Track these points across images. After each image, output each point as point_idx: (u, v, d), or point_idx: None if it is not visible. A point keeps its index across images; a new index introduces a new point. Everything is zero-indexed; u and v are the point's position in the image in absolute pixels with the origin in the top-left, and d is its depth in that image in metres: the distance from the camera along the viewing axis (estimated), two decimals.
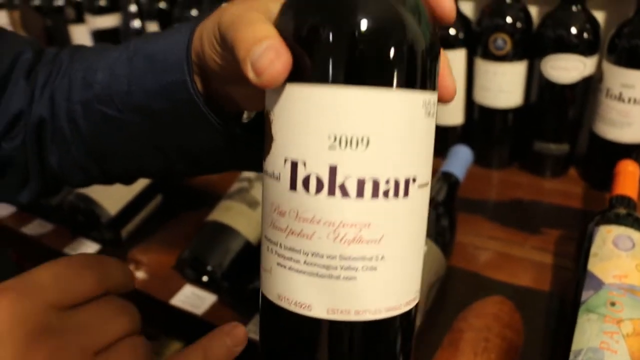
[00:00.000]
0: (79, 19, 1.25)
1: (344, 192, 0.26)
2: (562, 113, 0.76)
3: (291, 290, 0.28)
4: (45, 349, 0.24)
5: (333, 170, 0.26)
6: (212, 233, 0.65)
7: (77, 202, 0.71)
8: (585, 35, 0.70)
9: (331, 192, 0.26)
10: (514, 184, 0.81)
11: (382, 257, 0.27)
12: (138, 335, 0.29)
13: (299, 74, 0.26)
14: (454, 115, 0.83)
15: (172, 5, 1.09)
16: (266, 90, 0.28)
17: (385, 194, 0.27)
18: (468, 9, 0.84)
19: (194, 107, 0.38)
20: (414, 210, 0.28)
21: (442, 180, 0.65)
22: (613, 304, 0.50)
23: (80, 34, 1.26)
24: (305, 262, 0.27)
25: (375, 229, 0.27)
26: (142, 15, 1.16)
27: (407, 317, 0.30)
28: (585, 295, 0.52)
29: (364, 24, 0.25)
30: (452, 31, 0.77)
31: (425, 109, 0.27)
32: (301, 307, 0.28)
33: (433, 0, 0.29)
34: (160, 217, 0.79)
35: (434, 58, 0.28)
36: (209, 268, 0.62)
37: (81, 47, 0.50)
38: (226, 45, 0.30)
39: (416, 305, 0.31)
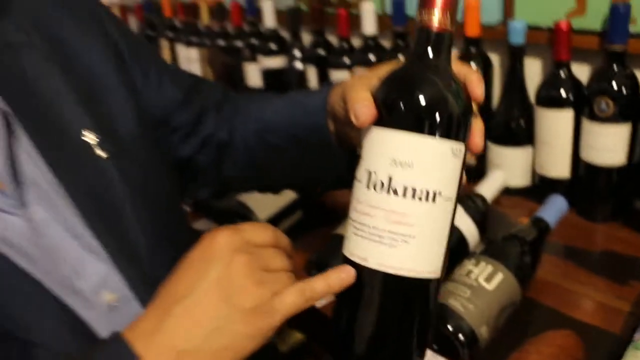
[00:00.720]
0: (253, 59, 1.48)
1: (395, 192, 0.43)
2: None
3: (358, 249, 0.45)
4: (240, 258, 0.44)
5: (389, 180, 0.44)
6: (336, 244, 0.80)
7: (236, 207, 0.92)
8: None
9: (387, 191, 0.44)
10: (613, 238, 0.87)
11: (413, 236, 0.43)
12: (292, 272, 0.48)
13: (380, 121, 0.45)
14: (562, 169, 0.91)
15: (329, 53, 1.28)
16: (361, 129, 0.46)
17: (420, 198, 0.43)
18: (583, 72, 0.93)
19: (326, 140, 0.59)
20: (438, 212, 0.44)
21: (534, 224, 0.75)
22: None
23: (253, 71, 1.49)
24: (367, 232, 0.44)
25: (411, 217, 0.43)
26: (303, 59, 1.36)
27: (427, 282, 0.46)
28: (637, 336, 0.59)
29: (420, 100, 0.43)
30: (563, 93, 0.87)
31: (453, 152, 0.44)
32: (362, 259, 0.45)
33: (470, 88, 0.46)
34: (299, 228, 0.97)
35: (465, 123, 0.45)
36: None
37: (255, 94, 0.72)
38: (345, 101, 0.49)
39: (437, 280, 0.46)
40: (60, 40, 0.58)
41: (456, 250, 0.74)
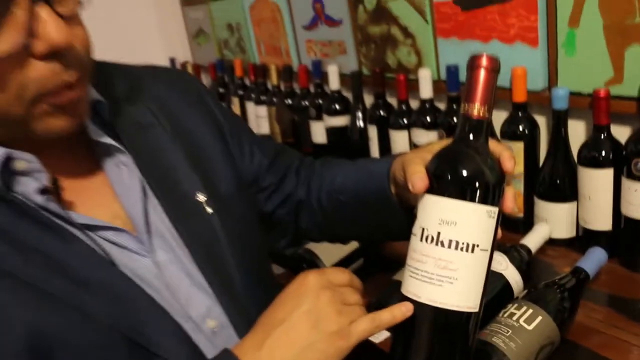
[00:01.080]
0: (318, 117, 1.62)
1: (442, 244, 0.55)
2: None
3: (412, 288, 0.56)
4: (325, 294, 0.56)
5: (438, 234, 0.55)
6: (393, 288, 0.91)
7: (304, 254, 1.04)
8: None
9: (436, 244, 0.55)
10: None
11: (456, 278, 0.54)
12: (363, 305, 0.60)
13: (431, 189, 0.56)
14: (604, 222, 0.99)
15: (388, 114, 1.40)
16: (417, 195, 0.57)
17: (461, 249, 0.54)
18: (624, 133, 1.00)
19: (388, 201, 0.70)
20: (476, 260, 0.55)
21: (574, 273, 0.83)
22: None
23: (318, 128, 1.63)
24: (420, 274, 0.56)
25: (454, 264, 0.54)
26: (365, 119, 1.49)
27: (468, 315, 0.57)
28: None
29: (462, 174, 0.54)
30: (603, 153, 0.95)
31: (488, 214, 0.55)
32: (416, 296, 0.56)
33: (502, 163, 0.57)
34: (360, 274, 1.06)
35: (499, 191, 0.56)
36: None
37: (328, 160, 0.84)
38: (404, 172, 0.60)
39: (476, 313, 0.56)
40: (178, 120, 0.73)
41: (501, 296, 0.83)
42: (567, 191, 1.04)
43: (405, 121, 1.33)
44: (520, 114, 1.09)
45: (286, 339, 0.55)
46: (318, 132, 1.64)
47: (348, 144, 1.53)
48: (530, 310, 0.74)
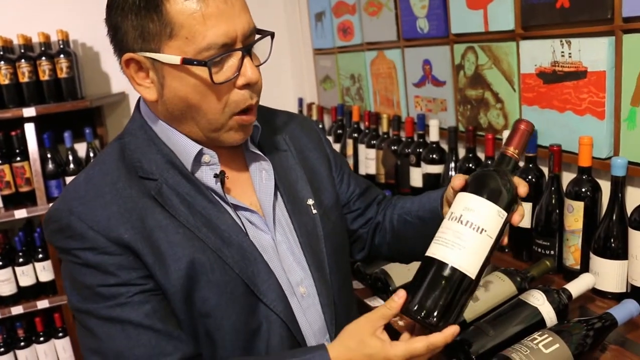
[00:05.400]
0: (417, 164, 1.82)
1: (461, 223, 0.79)
2: None
3: (433, 249, 0.80)
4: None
5: (460, 216, 0.80)
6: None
7: (380, 274, 1.24)
8: None
9: (457, 221, 0.79)
10: None
11: (464, 247, 0.76)
12: None
13: (464, 189, 0.82)
14: None
15: (477, 166, 1.56)
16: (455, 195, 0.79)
17: (474, 229, 0.77)
18: None
19: (440, 218, 0.87)
20: (481, 240, 0.78)
21: (604, 317, 0.96)
22: None
23: (415, 174, 1.83)
24: (441, 240, 0.80)
25: (465, 237, 0.77)
26: (457, 169, 1.67)
27: (465, 276, 0.78)
28: None
29: (487, 182, 0.81)
30: None
31: (498, 213, 0.78)
32: (434, 255, 0.79)
33: (518, 188, 0.78)
34: None
35: (510, 203, 0.78)
36: None
37: (402, 196, 1.07)
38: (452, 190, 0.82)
39: (471, 280, 0.77)
40: (302, 150, 1.02)
41: (533, 326, 0.98)
42: (619, 250, 1.15)
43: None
44: (584, 177, 1.22)
45: None
46: (416, 177, 1.84)
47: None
48: (550, 338, 0.89)
